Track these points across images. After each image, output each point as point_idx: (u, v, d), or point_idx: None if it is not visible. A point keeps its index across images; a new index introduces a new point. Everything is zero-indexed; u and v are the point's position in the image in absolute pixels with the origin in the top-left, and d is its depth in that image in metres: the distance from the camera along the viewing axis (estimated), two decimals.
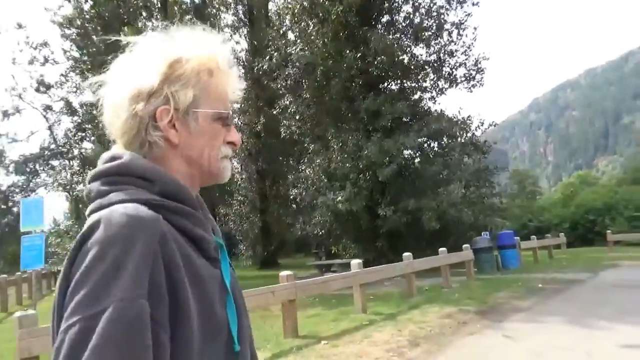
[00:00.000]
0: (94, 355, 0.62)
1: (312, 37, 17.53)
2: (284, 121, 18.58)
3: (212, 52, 0.87)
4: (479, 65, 17.83)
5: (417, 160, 17.06)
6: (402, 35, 17.87)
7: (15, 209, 40.93)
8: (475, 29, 18.27)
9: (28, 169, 34.22)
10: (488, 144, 18.37)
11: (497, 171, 19.10)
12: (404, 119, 16.76)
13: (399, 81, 17.96)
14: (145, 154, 0.83)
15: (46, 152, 28.34)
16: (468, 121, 18.14)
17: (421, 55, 18.20)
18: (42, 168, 31.69)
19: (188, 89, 0.83)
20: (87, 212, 0.79)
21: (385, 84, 17.80)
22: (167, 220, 0.76)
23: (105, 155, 0.85)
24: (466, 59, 18.01)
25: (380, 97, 16.35)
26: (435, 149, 17.63)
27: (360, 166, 15.89)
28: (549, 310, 7.71)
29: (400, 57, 17.21)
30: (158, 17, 20.91)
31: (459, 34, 17.93)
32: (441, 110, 17.97)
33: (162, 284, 0.70)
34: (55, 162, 28.91)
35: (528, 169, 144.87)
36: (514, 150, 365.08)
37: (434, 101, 18.57)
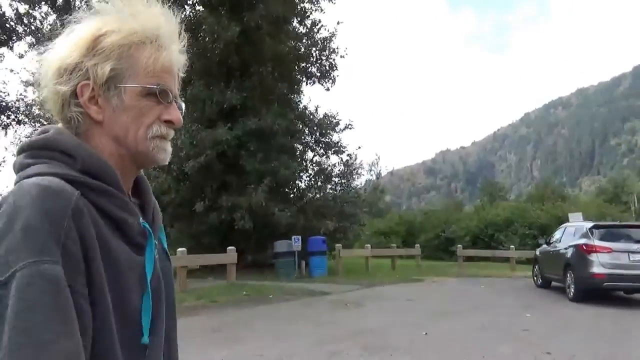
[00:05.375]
0: (17, 320, 0.59)
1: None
2: None
3: (145, 24, 0.78)
4: (331, 62, 17.03)
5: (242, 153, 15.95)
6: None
7: None
8: (338, 23, 17.49)
9: None
10: (342, 145, 17.61)
11: (353, 175, 18.32)
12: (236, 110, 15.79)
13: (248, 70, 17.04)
14: (72, 130, 0.79)
15: None
16: (326, 120, 17.41)
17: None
18: None
19: (107, 62, 0.76)
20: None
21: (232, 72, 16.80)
22: (87, 198, 0.72)
23: (38, 130, 0.82)
24: (322, 55, 17.21)
25: (214, 85, 15.49)
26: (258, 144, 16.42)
27: (182, 155, 15.03)
28: None
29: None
30: None
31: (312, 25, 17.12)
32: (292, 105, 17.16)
33: (78, 254, 0.66)
34: None
35: (506, 182, 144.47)
36: (501, 163, 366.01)
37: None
